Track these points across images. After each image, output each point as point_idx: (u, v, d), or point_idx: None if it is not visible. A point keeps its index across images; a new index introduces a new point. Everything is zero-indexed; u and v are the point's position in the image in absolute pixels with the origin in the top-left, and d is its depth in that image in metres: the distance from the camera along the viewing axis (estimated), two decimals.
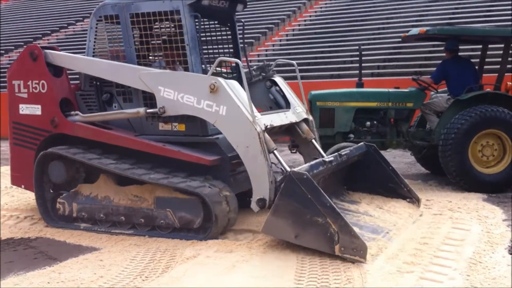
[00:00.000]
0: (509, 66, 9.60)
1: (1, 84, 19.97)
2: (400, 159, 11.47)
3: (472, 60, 9.57)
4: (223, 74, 7.31)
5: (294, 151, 7.74)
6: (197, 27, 6.72)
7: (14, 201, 8.57)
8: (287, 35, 20.92)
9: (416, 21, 18.47)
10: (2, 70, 20.58)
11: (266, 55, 18.96)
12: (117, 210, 6.68)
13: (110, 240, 6.41)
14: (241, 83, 6.33)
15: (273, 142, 6.13)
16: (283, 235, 5.61)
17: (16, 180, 7.61)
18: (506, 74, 9.27)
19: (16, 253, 6.13)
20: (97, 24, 7.15)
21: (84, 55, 7.37)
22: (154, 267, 5.36)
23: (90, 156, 6.83)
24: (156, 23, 7.06)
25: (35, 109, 7.24)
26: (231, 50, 7.66)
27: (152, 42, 7.12)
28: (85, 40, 7.58)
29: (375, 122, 9.08)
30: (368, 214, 6.53)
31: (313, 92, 9.29)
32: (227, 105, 6.13)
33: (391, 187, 7.15)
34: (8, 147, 7.59)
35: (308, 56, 18.22)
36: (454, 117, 8.41)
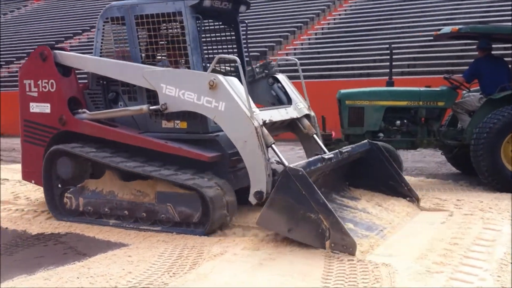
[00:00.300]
0: None
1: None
2: (430, 159, 11.33)
3: (505, 59, 9.41)
4: (228, 72, 7.46)
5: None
6: (199, 28, 6.89)
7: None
8: (316, 33, 20.86)
9: (447, 19, 18.22)
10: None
11: (295, 54, 18.92)
12: (121, 204, 6.89)
13: (138, 236, 6.48)
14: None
15: (272, 137, 6.28)
16: (277, 228, 5.76)
17: (27, 176, 7.88)
18: None
19: (46, 248, 6.25)
20: (104, 25, 7.40)
21: (91, 55, 7.59)
22: (181, 264, 5.39)
23: (88, 150, 7.08)
24: (160, 24, 7.24)
25: (45, 108, 7.49)
26: (235, 50, 7.81)
27: (156, 42, 7.33)
28: None
29: (405, 121, 8.97)
30: (366, 211, 6.58)
31: (342, 90, 9.23)
32: (226, 101, 6.31)
33: (392, 185, 7.18)
34: (20, 144, 7.86)
35: (336, 54, 18.14)
36: (486, 117, 8.29)
